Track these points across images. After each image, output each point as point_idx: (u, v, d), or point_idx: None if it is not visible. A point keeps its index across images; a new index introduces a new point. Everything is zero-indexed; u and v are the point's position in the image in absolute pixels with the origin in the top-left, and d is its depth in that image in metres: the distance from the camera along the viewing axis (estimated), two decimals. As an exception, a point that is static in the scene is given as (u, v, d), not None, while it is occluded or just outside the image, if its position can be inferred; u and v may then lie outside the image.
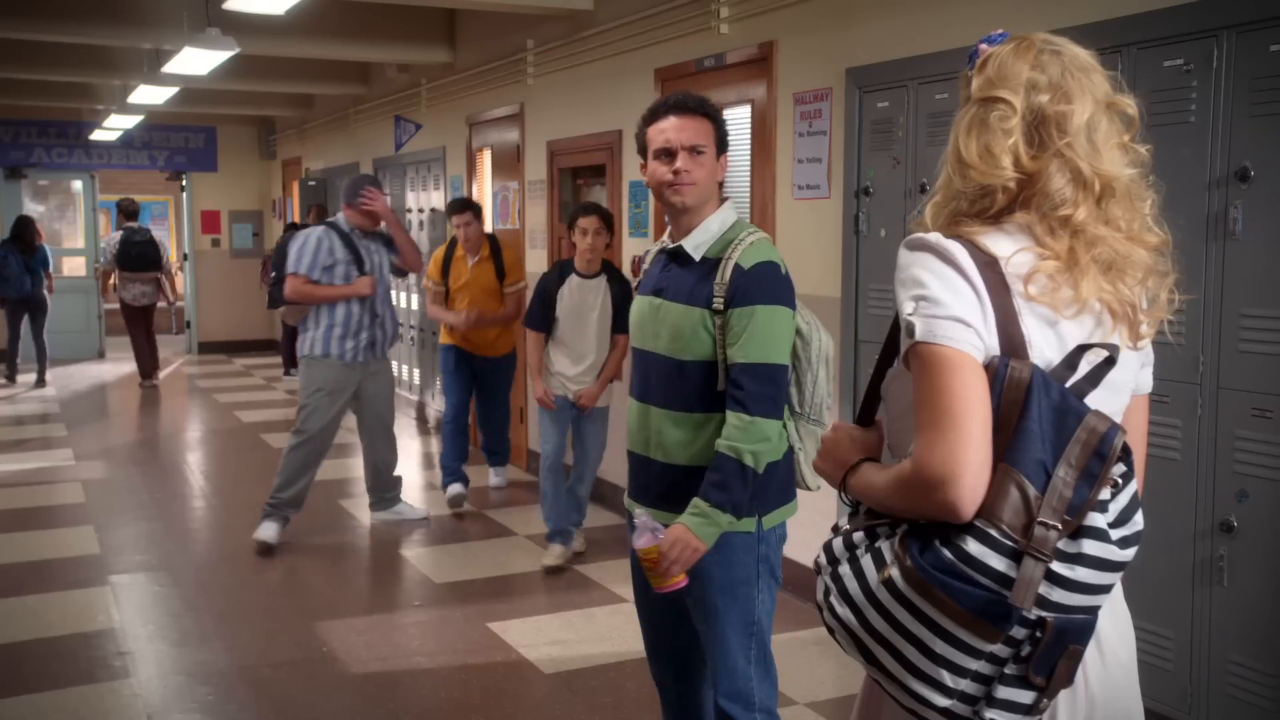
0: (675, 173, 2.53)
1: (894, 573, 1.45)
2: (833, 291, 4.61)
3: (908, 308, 1.50)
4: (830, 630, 1.56)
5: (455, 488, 6.33)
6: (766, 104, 5.01)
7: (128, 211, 11.55)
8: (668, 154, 2.54)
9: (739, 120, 5.24)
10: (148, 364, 11.30)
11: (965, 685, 1.45)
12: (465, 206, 6.31)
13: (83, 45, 8.62)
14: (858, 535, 1.55)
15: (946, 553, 1.41)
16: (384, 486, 6.09)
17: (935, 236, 1.53)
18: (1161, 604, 3.30)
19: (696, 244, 2.59)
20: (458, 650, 4.38)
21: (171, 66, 7.39)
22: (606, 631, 4.52)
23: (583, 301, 5.21)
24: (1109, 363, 1.50)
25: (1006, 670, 1.44)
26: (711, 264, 2.57)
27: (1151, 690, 3.30)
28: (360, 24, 7.97)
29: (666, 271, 2.63)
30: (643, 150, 2.64)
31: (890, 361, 1.65)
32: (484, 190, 8.17)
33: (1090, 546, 1.42)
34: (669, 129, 2.55)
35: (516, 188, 7.47)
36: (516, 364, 6.73)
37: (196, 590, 5.01)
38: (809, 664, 4.19)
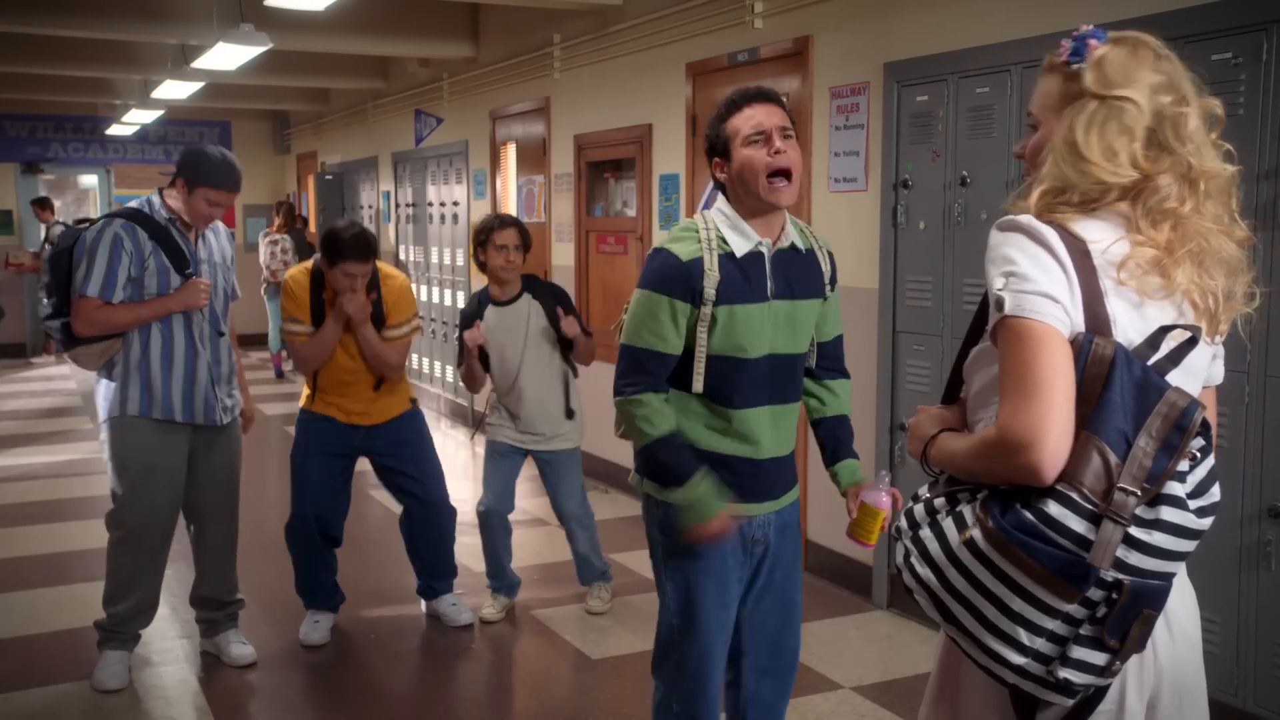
0: (777, 152, 2.43)
1: (975, 533, 1.52)
2: (870, 283, 4.67)
3: (998, 283, 1.57)
4: (909, 591, 1.64)
5: (318, 627, 4.41)
6: (802, 98, 5.06)
7: (53, 208, 11.77)
8: (761, 136, 2.44)
9: (773, 114, 5.30)
10: None
11: (1040, 644, 1.52)
12: (369, 252, 4.10)
13: (105, 40, 8.67)
14: (938, 501, 1.63)
15: (1028, 514, 1.49)
16: (213, 604, 4.19)
17: (1027, 219, 1.60)
18: (1209, 588, 3.35)
19: (795, 237, 2.59)
20: (504, 636, 4.45)
21: (202, 62, 7.45)
22: (648, 618, 4.57)
23: (508, 334, 4.36)
24: (1191, 343, 1.58)
25: (1081, 631, 1.51)
26: (811, 254, 2.63)
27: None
28: (383, 19, 8.02)
29: (779, 273, 2.54)
30: (721, 146, 2.50)
31: (974, 343, 1.72)
32: (508, 184, 8.23)
33: (1168, 513, 1.49)
34: (757, 114, 2.45)
35: (542, 181, 7.53)
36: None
37: (240, 578, 5.07)
38: (851, 649, 4.26)
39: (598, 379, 6.63)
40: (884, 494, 2.49)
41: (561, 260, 7.31)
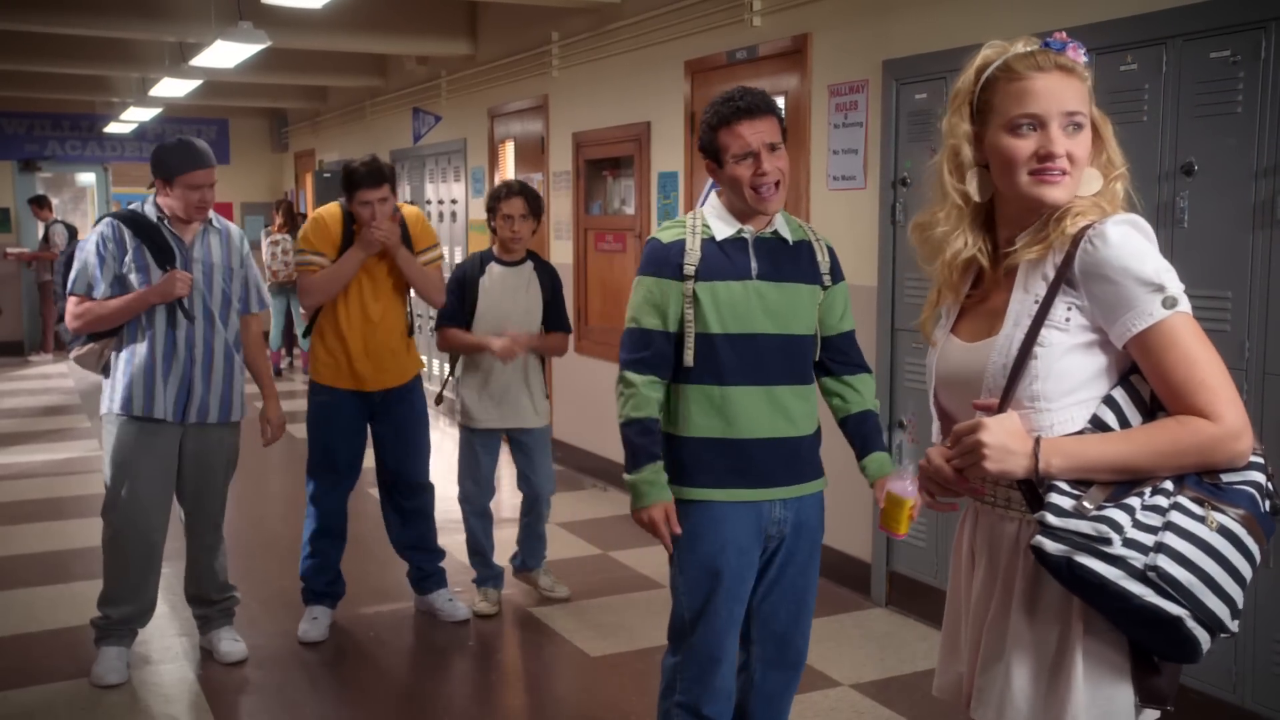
0: (764, 174, 2.60)
1: (1224, 519, 1.53)
2: (869, 281, 4.67)
3: (1167, 280, 1.60)
4: (1130, 599, 1.52)
5: (316, 624, 4.38)
6: (800, 96, 5.06)
7: (50, 206, 11.91)
8: (751, 156, 2.61)
9: (772, 112, 5.31)
10: None
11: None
12: (382, 178, 4.13)
13: (103, 38, 8.66)
14: (1135, 500, 1.56)
15: (1247, 487, 1.56)
16: (204, 601, 4.19)
17: (1135, 216, 1.68)
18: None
19: (784, 228, 2.75)
20: (502, 634, 4.45)
21: (200, 60, 7.44)
22: (646, 616, 4.58)
23: (507, 294, 4.40)
24: None
25: None
26: (803, 245, 2.77)
27: (1197, 671, 3.37)
28: (381, 17, 8.02)
29: (763, 256, 2.69)
30: (713, 154, 2.67)
31: (1032, 340, 1.66)
32: (506, 182, 8.22)
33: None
34: (745, 133, 2.60)
35: (541, 179, 7.53)
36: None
37: (238, 578, 5.06)
38: (850, 647, 4.26)
39: (593, 374, 6.64)
40: (909, 482, 2.42)
41: (560, 258, 7.30)
